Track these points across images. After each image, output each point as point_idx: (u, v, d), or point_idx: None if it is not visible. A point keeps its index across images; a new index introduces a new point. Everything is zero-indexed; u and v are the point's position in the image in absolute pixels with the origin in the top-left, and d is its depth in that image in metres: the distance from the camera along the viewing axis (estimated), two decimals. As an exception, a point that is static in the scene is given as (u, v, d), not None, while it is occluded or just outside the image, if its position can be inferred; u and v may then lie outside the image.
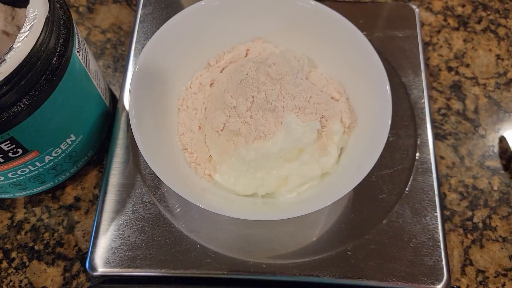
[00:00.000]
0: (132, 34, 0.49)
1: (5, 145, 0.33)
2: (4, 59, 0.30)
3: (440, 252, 0.39)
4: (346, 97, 0.41)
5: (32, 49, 0.31)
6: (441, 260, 0.38)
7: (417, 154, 0.43)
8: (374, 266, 0.38)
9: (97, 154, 0.46)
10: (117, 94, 0.49)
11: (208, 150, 0.39)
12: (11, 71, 0.30)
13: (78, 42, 0.37)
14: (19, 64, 0.30)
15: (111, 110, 0.46)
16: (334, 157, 0.38)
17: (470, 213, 0.44)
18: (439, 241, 0.39)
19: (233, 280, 0.38)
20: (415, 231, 0.39)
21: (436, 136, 0.47)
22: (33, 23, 0.31)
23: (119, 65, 0.52)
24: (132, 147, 0.43)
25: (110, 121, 0.46)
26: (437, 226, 0.40)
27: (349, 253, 0.38)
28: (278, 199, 0.38)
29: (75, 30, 0.37)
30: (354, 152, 0.38)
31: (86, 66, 0.38)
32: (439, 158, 0.46)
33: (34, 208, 0.44)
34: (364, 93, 0.39)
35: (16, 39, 0.30)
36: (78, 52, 0.37)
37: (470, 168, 0.46)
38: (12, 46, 0.30)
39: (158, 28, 0.40)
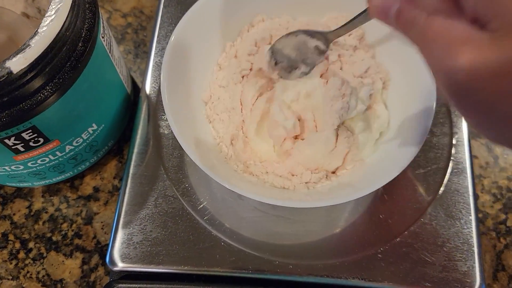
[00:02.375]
0: (155, 19, 0.47)
1: (27, 134, 0.32)
2: (29, 44, 0.28)
3: (474, 258, 0.37)
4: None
5: (58, 34, 0.29)
6: (475, 266, 0.37)
7: (453, 154, 0.41)
8: (405, 270, 0.36)
9: (117, 144, 0.44)
10: (138, 82, 0.48)
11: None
12: (36, 57, 0.28)
13: (103, 27, 0.35)
14: (45, 49, 0.28)
15: (133, 98, 0.45)
16: (386, 115, 0.37)
17: (503, 216, 0.42)
18: (473, 246, 0.37)
19: (258, 280, 0.36)
20: (449, 234, 0.38)
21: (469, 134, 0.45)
22: (59, 6, 0.29)
23: (140, 50, 0.50)
24: (154, 138, 0.41)
25: (131, 110, 0.44)
26: (472, 230, 0.38)
27: (380, 256, 0.37)
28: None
29: (100, 15, 0.35)
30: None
31: (110, 52, 0.37)
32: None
33: (52, 198, 0.43)
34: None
35: (41, 23, 0.29)
36: (102, 37, 0.35)
37: (504, 168, 0.44)
38: (37, 30, 0.28)
39: (183, 14, 0.38)
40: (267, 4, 0.42)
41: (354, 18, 0.31)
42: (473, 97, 0.18)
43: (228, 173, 0.36)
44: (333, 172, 0.37)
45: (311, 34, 0.36)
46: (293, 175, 0.36)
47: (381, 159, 0.36)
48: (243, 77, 0.40)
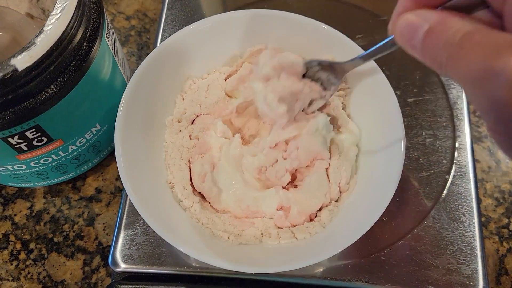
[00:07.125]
0: (159, 21, 0.47)
1: (30, 133, 0.32)
2: (34, 42, 0.28)
3: (478, 261, 0.37)
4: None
5: (63, 32, 0.29)
6: (479, 269, 0.37)
7: (455, 157, 0.41)
8: (408, 272, 0.36)
9: (119, 145, 0.44)
10: (141, 83, 0.48)
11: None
12: (41, 55, 0.28)
13: (108, 27, 0.35)
14: (50, 48, 0.28)
15: (135, 99, 0.45)
16: (355, 126, 0.37)
17: (506, 220, 0.42)
18: (477, 249, 0.37)
19: (261, 282, 0.36)
20: (452, 237, 0.38)
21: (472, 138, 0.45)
22: (64, 5, 0.29)
23: (143, 53, 0.50)
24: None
25: (134, 111, 0.44)
26: (475, 234, 0.38)
27: (383, 258, 0.37)
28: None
29: (105, 15, 0.35)
30: None
31: (114, 52, 0.37)
32: (475, 161, 0.44)
33: (53, 199, 0.42)
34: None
35: (47, 22, 0.29)
36: (107, 38, 0.35)
37: (507, 173, 0.44)
38: (42, 28, 0.29)
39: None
40: (193, 68, 0.39)
41: (380, 44, 0.28)
42: None
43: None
44: (336, 201, 0.36)
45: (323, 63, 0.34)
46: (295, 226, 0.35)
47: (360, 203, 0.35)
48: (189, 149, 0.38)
